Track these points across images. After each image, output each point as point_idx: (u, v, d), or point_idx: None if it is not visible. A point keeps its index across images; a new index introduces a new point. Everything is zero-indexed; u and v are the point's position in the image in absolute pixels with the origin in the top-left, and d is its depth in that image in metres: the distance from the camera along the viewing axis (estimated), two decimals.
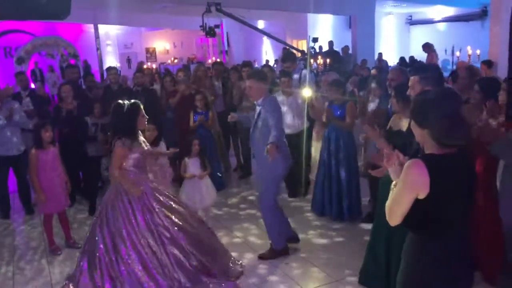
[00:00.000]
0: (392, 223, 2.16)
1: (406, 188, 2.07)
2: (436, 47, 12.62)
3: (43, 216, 4.94)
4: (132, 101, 3.85)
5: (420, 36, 16.93)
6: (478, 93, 3.87)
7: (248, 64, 6.82)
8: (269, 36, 10.23)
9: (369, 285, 3.84)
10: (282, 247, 4.51)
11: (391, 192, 2.19)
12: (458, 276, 2.15)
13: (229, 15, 8.22)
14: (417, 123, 2.16)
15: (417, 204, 2.07)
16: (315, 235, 5.03)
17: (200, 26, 8.74)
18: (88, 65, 15.98)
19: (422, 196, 2.05)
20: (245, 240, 4.96)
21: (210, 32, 8.69)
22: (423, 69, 3.25)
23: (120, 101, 3.82)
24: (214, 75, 7.48)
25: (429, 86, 2.95)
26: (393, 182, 2.22)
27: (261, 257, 4.47)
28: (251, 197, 6.35)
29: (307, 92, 5.40)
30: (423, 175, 2.02)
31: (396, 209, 2.11)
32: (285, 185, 6.39)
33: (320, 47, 12.96)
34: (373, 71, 5.99)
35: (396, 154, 2.26)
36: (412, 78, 3.16)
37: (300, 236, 4.99)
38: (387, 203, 2.17)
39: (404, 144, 3.01)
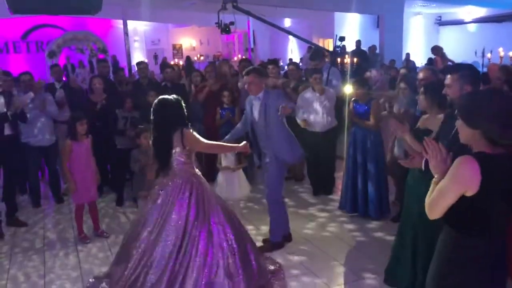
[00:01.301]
0: (432, 216, 2.14)
1: (455, 182, 2.05)
2: (466, 48, 12.42)
3: (75, 205, 5.07)
4: (175, 96, 3.79)
5: (449, 37, 16.64)
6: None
7: (274, 61, 6.85)
8: (290, 33, 10.19)
9: (394, 285, 3.81)
10: (279, 240, 4.63)
11: (432, 186, 2.18)
12: (492, 279, 2.13)
13: (247, 13, 8.21)
14: (467, 123, 2.11)
15: (462, 201, 2.06)
16: (341, 233, 5.03)
17: (216, 23, 8.79)
18: (116, 61, 16.23)
19: (470, 193, 2.03)
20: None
21: (225, 29, 8.71)
22: (459, 67, 3.18)
23: (166, 96, 3.77)
24: (240, 72, 7.52)
25: (468, 85, 2.92)
26: (435, 177, 2.20)
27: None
28: None
29: (348, 89, 5.36)
30: (475, 172, 2.00)
31: (439, 203, 2.10)
32: (310, 183, 6.42)
33: (344, 47, 12.82)
34: (402, 71, 5.93)
35: (440, 146, 2.22)
36: (449, 76, 3.10)
37: (326, 233, 5.01)
38: (428, 197, 2.15)
39: None
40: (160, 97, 3.78)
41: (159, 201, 3.63)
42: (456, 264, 2.14)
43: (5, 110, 5.30)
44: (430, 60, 12.44)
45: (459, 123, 2.16)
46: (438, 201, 2.12)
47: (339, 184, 6.05)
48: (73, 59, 15.48)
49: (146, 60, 18.42)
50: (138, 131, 5.20)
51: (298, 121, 5.94)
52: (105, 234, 5.09)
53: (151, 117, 3.71)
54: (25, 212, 6.00)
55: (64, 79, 7.70)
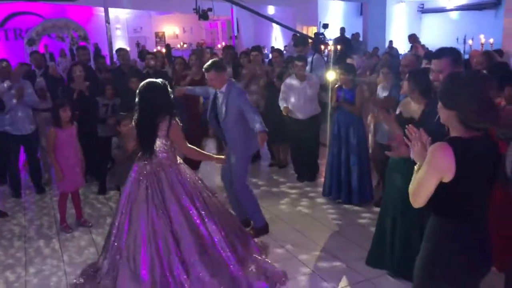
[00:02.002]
0: (416, 205, 2.16)
1: (431, 170, 2.06)
2: (447, 36, 12.50)
3: (59, 193, 5.00)
4: (162, 80, 3.69)
5: (431, 24, 16.74)
6: None
7: (257, 48, 6.80)
8: (273, 20, 10.16)
9: (375, 266, 3.89)
10: (263, 224, 4.68)
11: (414, 174, 2.19)
12: (479, 262, 2.16)
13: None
14: (444, 104, 2.12)
15: (442, 186, 2.07)
16: (324, 218, 5.05)
17: (194, 9, 8.65)
18: (98, 49, 15.98)
19: (447, 179, 2.05)
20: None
21: (203, 15, 8.60)
22: (447, 51, 3.13)
23: (153, 80, 3.69)
24: (224, 59, 7.46)
25: (459, 66, 2.92)
26: (416, 165, 2.21)
27: None
28: (260, 182, 6.37)
29: (331, 75, 5.35)
30: (449, 158, 2.01)
31: (420, 191, 2.11)
32: (293, 169, 6.43)
33: (323, 35, 12.79)
34: (385, 56, 5.94)
35: (420, 133, 2.23)
36: (438, 61, 3.04)
37: (310, 219, 5.03)
38: (411, 186, 2.17)
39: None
40: (148, 80, 3.68)
41: (139, 189, 3.55)
42: (445, 249, 2.16)
43: None
44: (413, 47, 12.50)
45: (439, 105, 2.17)
46: (418, 189, 2.13)
47: (322, 171, 6.07)
48: (53, 48, 15.20)
49: (128, 48, 18.29)
50: (119, 118, 5.13)
51: (281, 107, 5.94)
52: (88, 223, 5.04)
53: (136, 100, 3.60)
54: (5, 202, 5.90)
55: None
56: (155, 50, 13.51)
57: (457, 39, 12.41)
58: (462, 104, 2.05)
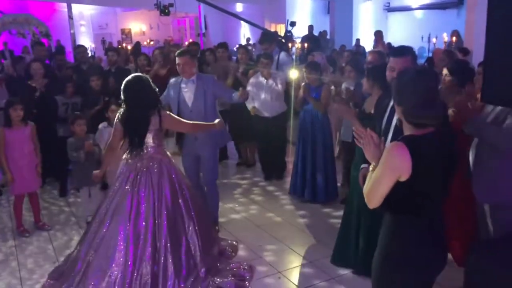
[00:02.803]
0: (372, 205, 2.12)
1: (387, 171, 2.03)
2: (413, 34, 12.70)
3: (14, 197, 4.78)
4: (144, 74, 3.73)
5: (397, 23, 16.98)
6: (448, 77, 3.87)
7: (223, 45, 6.71)
8: (239, 17, 10.07)
9: (340, 264, 3.89)
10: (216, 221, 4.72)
11: (369, 174, 2.16)
12: (431, 257, 2.15)
13: None
14: (394, 100, 2.14)
15: (397, 186, 2.04)
16: (291, 217, 5.02)
17: (154, 5, 8.52)
18: (61, 46, 15.50)
19: (403, 178, 2.02)
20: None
21: (164, 10, 8.48)
22: (406, 50, 3.13)
23: (137, 74, 3.70)
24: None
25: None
26: (371, 165, 2.18)
27: None
28: (227, 181, 6.30)
29: (293, 74, 5.31)
30: (406, 157, 1.98)
31: (376, 192, 2.07)
32: (261, 168, 6.38)
33: (290, 33, 12.76)
34: (346, 54, 5.94)
35: (369, 133, 2.21)
36: (400, 59, 3.02)
37: (276, 218, 4.99)
38: (365, 186, 2.13)
39: (374, 127, 3.00)
40: (133, 74, 3.65)
41: (127, 186, 3.52)
42: (398, 246, 2.14)
43: None
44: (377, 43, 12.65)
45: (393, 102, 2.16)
46: (373, 190, 2.09)
47: (290, 169, 6.03)
48: (14, 44, 14.64)
49: (93, 45, 17.85)
50: (72, 118, 4.95)
51: (248, 107, 5.87)
52: (46, 226, 4.84)
53: (123, 97, 3.54)
54: None
55: None
56: (119, 46, 13.21)
57: (422, 37, 12.65)
58: (405, 99, 2.06)
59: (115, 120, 3.66)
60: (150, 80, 3.65)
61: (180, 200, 3.64)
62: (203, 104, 4.43)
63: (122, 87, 3.56)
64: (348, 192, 4.17)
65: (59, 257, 4.26)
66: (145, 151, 3.58)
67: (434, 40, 10.37)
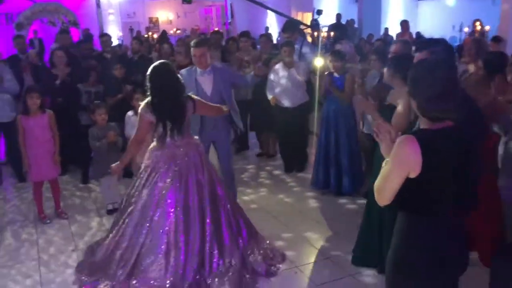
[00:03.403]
0: (381, 202, 2.02)
1: (396, 166, 1.92)
2: (444, 23, 12.30)
3: (32, 184, 4.84)
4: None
5: (428, 12, 16.52)
6: (480, 70, 3.67)
7: (246, 34, 6.60)
8: (264, 6, 9.93)
9: (361, 263, 3.73)
10: None
11: (382, 169, 2.05)
12: (447, 258, 2.01)
13: None
14: (409, 93, 2.02)
15: (408, 183, 1.93)
16: (310, 210, 4.92)
17: None
18: (90, 34, 15.65)
19: (413, 174, 1.90)
20: None
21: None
22: (430, 43, 2.99)
23: (162, 61, 3.65)
24: (212, 44, 7.26)
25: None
26: (385, 160, 2.07)
27: None
28: (248, 172, 6.23)
29: (319, 62, 5.18)
30: (415, 152, 1.87)
31: (385, 188, 1.97)
32: (281, 159, 6.29)
33: (316, 21, 12.55)
34: (377, 43, 5.74)
35: (387, 128, 2.11)
36: (419, 54, 2.92)
37: (295, 211, 4.90)
38: (376, 182, 2.02)
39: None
40: (160, 61, 3.59)
41: (170, 174, 3.49)
42: (412, 246, 2.03)
43: None
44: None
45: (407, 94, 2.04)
46: (383, 186, 1.98)
47: (312, 160, 5.91)
48: (44, 34, 14.87)
49: (121, 34, 18.00)
50: (93, 107, 4.94)
51: (269, 97, 5.76)
52: (63, 215, 4.88)
53: (149, 84, 3.45)
54: None
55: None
56: (146, 35, 13.25)
57: (453, 26, 12.23)
58: (419, 92, 1.94)
59: (140, 111, 3.55)
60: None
61: (215, 181, 3.66)
62: (222, 94, 4.44)
63: (149, 74, 3.47)
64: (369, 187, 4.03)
65: (78, 243, 4.30)
66: (184, 137, 3.55)
67: (466, 29, 9.99)
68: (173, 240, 3.40)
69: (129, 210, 3.57)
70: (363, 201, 4.77)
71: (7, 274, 3.84)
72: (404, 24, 10.01)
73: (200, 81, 4.41)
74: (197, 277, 3.39)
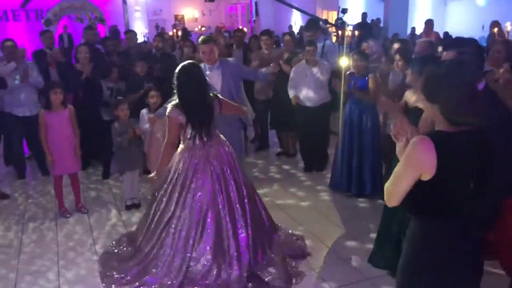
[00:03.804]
0: (390, 203, 1.96)
1: (409, 165, 1.86)
2: (473, 23, 11.99)
3: (53, 178, 4.91)
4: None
5: (457, 11, 16.15)
6: (508, 72, 3.54)
7: (267, 32, 6.55)
8: (288, 5, 9.85)
9: (379, 265, 3.65)
10: None
11: (394, 171, 1.99)
12: (459, 266, 1.94)
13: None
14: (426, 97, 1.94)
15: (422, 185, 1.87)
16: (327, 211, 4.85)
17: None
18: (117, 31, 15.80)
19: (426, 177, 1.84)
20: None
21: None
22: (460, 42, 2.89)
23: (190, 61, 3.63)
24: (234, 42, 7.24)
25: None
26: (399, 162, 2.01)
27: None
28: (267, 170, 6.20)
29: (344, 62, 5.10)
30: (430, 153, 1.80)
31: (395, 189, 1.91)
32: (301, 159, 6.23)
33: (341, 20, 12.35)
34: (396, 45, 5.61)
35: (406, 128, 2.05)
36: (445, 53, 2.83)
37: (312, 212, 4.84)
38: (387, 183, 1.97)
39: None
40: (187, 61, 3.56)
41: (208, 173, 3.48)
42: (421, 254, 1.96)
43: None
44: (435, 34, 12.05)
45: (422, 97, 1.96)
46: (394, 186, 1.93)
47: (332, 161, 5.83)
48: (73, 29, 15.10)
49: (146, 31, 18.17)
50: (115, 103, 4.98)
51: (290, 96, 5.71)
52: (83, 209, 4.94)
53: (177, 84, 3.41)
54: (9, 183, 5.88)
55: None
56: (171, 33, 13.33)
57: (483, 26, 11.89)
58: (441, 97, 1.86)
59: (168, 114, 3.46)
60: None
61: (242, 182, 3.64)
62: (231, 87, 4.55)
63: (177, 74, 3.41)
64: None
65: (97, 238, 4.34)
66: (214, 135, 3.55)
67: (495, 30, 9.69)
68: (219, 241, 3.44)
69: (166, 219, 3.50)
70: (382, 203, 4.69)
71: (27, 267, 3.90)
72: (429, 23, 9.70)
73: (209, 77, 4.39)
74: (247, 272, 3.46)
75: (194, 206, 3.44)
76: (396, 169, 1.93)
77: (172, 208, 3.49)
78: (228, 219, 3.47)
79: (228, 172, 3.54)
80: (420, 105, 3.16)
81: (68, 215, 4.82)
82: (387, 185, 1.96)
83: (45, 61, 6.48)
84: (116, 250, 3.95)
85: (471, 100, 1.82)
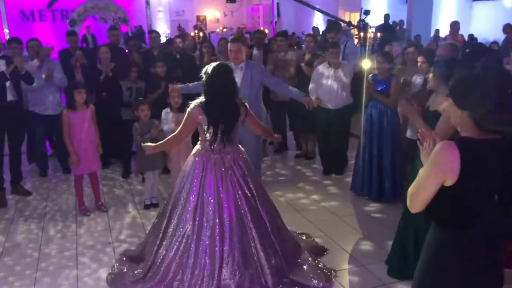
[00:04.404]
0: (413, 209, 1.93)
1: (433, 170, 1.83)
2: (501, 25, 11.70)
3: (74, 176, 4.98)
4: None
5: (483, 13, 15.83)
6: None
7: (283, 34, 6.51)
8: (309, 6, 9.74)
9: (395, 275, 3.58)
10: None
11: (417, 176, 1.95)
12: (479, 277, 1.89)
13: None
14: (456, 102, 1.89)
15: (443, 191, 1.83)
16: (346, 215, 4.80)
17: None
18: (142, 31, 15.95)
19: (449, 182, 1.80)
20: None
21: None
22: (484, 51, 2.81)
23: (222, 62, 3.52)
24: (255, 44, 7.24)
25: None
26: (422, 167, 1.97)
27: None
28: (285, 173, 6.17)
29: (366, 64, 5.04)
30: (454, 158, 1.77)
31: (419, 194, 1.88)
32: (320, 162, 6.18)
33: (363, 21, 12.19)
34: (429, 44, 5.51)
35: (432, 135, 2.01)
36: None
37: (331, 215, 4.80)
38: (410, 188, 1.93)
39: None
40: (217, 63, 3.41)
41: (214, 182, 3.34)
42: (441, 261, 1.91)
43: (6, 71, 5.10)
44: (460, 37, 11.83)
45: (449, 102, 1.91)
46: (416, 192, 1.89)
47: (351, 164, 5.77)
48: (97, 29, 15.33)
49: (169, 31, 18.32)
50: (136, 103, 5.01)
51: (312, 98, 5.66)
52: (103, 208, 5.00)
53: (206, 85, 3.31)
54: (31, 181, 5.99)
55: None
56: (192, 34, 13.40)
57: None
58: (475, 103, 1.79)
59: (190, 111, 3.36)
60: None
61: (256, 195, 3.47)
62: (249, 91, 4.50)
63: (206, 75, 3.33)
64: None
65: (115, 236, 4.39)
66: (233, 143, 3.41)
67: None
68: (219, 253, 3.28)
69: (182, 231, 3.39)
70: (402, 208, 4.62)
71: (46, 264, 3.96)
72: (454, 25, 9.46)
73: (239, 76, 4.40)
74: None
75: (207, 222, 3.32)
76: (420, 174, 1.90)
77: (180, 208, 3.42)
78: (237, 233, 3.32)
79: (241, 185, 3.38)
80: (440, 108, 3.10)
81: (88, 213, 4.88)
82: (410, 190, 1.93)
83: (70, 62, 6.57)
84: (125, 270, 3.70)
85: (504, 108, 1.76)
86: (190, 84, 4.87)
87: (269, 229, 3.45)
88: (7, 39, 8.99)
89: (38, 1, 16.94)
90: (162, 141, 3.67)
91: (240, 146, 3.55)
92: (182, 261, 3.32)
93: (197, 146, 3.49)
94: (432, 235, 1.97)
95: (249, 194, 3.41)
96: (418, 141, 2.12)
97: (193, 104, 3.37)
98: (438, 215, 1.92)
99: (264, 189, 3.64)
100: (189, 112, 3.37)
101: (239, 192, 3.38)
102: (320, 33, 13.66)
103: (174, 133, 3.57)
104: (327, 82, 5.58)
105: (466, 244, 1.88)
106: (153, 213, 4.88)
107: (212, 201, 3.32)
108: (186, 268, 3.30)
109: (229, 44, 4.62)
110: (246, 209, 3.37)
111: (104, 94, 5.85)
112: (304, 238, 4.14)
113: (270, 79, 4.93)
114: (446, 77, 2.98)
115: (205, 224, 3.31)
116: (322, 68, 5.66)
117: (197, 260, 3.28)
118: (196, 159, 3.43)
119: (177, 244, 3.36)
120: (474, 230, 1.86)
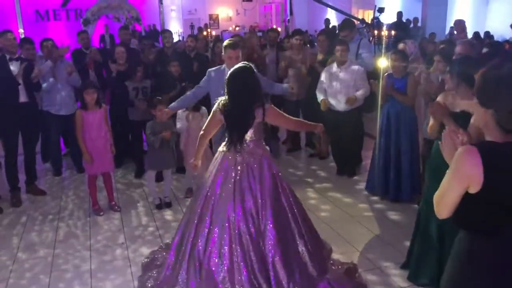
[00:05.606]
0: (440, 216, 1.89)
1: (455, 176, 1.78)
2: None
3: (87, 176, 5.00)
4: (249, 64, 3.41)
5: (499, 10, 15.58)
6: None
7: (299, 32, 6.42)
8: (323, 3, 9.67)
9: (415, 279, 3.49)
10: None
11: (442, 180, 1.90)
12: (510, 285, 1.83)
13: None
14: (481, 101, 1.83)
15: (467, 198, 1.78)
16: (361, 216, 4.75)
17: None
18: (156, 30, 15.94)
19: (473, 190, 1.75)
20: None
21: None
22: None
23: (245, 63, 3.40)
24: (268, 42, 7.19)
25: None
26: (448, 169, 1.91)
27: None
28: (299, 173, 6.13)
29: (383, 62, 4.96)
30: (476, 165, 1.71)
31: (444, 201, 1.84)
32: (334, 162, 6.12)
33: (377, 19, 12.05)
34: (442, 46, 5.41)
35: (461, 133, 1.99)
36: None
37: (346, 216, 4.74)
38: (436, 193, 1.89)
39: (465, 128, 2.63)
40: (238, 65, 3.35)
41: (229, 184, 3.27)
42: (467, 270, 1.86)
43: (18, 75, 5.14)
44: (476, 34, 11.67)
45: (475, 101, 1.85)
46: (442, 198, 1.84)
47: (366, 164, 5.70)
48: (114, 29, 15.36)
49: (181, 30, 18.34)
50: (155, 102, 4.98)
51: (318, 99, 5.60)
52: (116, 207, 5.01)
53: (226, 87, 3.27)
54: (46, 180, 6.03)
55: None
56: (205, 33, 13.39)
57: None
58: (501, 103, 1.74)
59: (215, 108, 3.37)
60: (255, 70, 3.39)
61: (283, 200, 3.35)
62: None
63: (228, 77, 3.30)
64: (421, 199, 3.76)
65: (128, 236, 4.39)
66: (245, 145, 3.33)
67: None
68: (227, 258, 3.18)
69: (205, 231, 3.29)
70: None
71: (60, 263, 3.98)
72: (459, 24, 9.14)
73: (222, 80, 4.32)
74: None
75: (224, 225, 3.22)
76: (443, 180, 1.85)
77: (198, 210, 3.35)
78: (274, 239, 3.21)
79: (252, 185, 3.28)
80: (466, 108, 3.01)
81: (101, 213, 4.90)
82: (435, 196, 1.89)
83: (83, 60, 6.61)
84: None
85: None
86: (179, 100, 4.77)
87: (303, 230, 3.39)
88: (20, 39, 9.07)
89: (53, 0, 17.06)
90: (197, 148, 3.63)
91: (264, 147, 3.46)
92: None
93: (221, 147, 3.46)
94: (460, 243, 1.92)
95: (267, 195, 3.29)
96: (439, 142, 2.05)
97: (219, 100, 3.37)
98: (466, 223, 1.87)
99: (292, 190, 3.54)
100: (214, 109, 3.41)
101: (254, 193, 3.27)
102: (330, 25, 13.51)
103: (201, 132, 3.58)
104: (336, 83, 5.51)
105: (496, 251, 1.82)
106: (167, 213, 4.89)
107: (248, 198, 3.25)
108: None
109: (228, 50, 4.34)
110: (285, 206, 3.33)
111: (117, 92, 5.85)
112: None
113: (268, 85, 4.76)
114: (466, 77, 2.89)
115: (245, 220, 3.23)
116: (331, 68, 5.58)
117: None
118: (217, 157, 3.43)
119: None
120: (503, 236, 1.81)
